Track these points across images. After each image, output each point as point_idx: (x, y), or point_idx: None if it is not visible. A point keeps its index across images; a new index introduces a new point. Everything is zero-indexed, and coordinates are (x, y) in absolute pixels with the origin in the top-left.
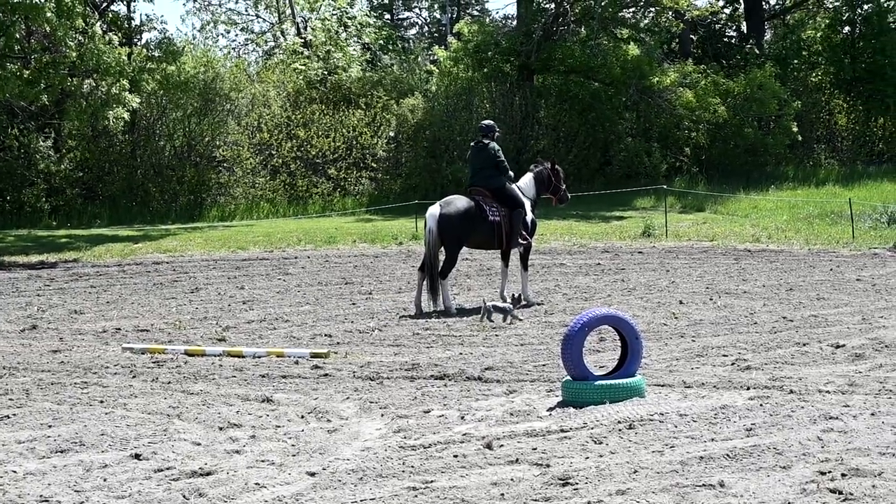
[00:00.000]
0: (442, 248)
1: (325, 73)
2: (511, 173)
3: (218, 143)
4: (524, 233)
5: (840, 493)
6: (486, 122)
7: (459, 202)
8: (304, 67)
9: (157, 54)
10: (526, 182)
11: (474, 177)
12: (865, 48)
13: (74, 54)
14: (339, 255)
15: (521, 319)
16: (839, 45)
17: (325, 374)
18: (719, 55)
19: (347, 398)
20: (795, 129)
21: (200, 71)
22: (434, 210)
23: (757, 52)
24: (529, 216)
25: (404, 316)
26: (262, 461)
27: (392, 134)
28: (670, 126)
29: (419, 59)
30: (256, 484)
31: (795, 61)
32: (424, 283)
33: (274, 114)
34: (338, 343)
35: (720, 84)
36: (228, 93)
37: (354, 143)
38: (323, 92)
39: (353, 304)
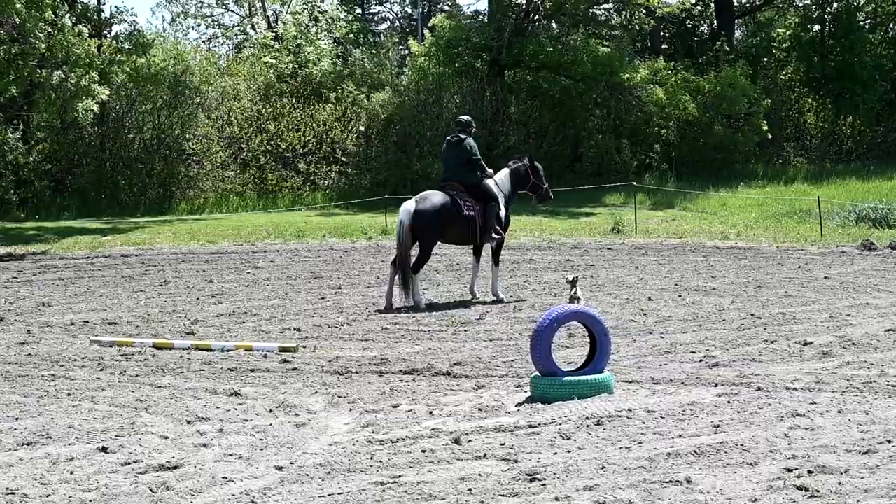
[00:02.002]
0: (416, 243)
1: (296, 66)
2: (490, 171)
3: (188, 136)
4: (497, 227)
5: (806, 489)
6: (464, 117)
7: (435, 198)
8: (274, 61)
9: (126, 47)
10: (501, 177)
11: (448, 171)
12: (835, 46)
13: (44, 46)
14: (309, 249)
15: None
16: (809, 44)
17: (294, 369)
18: (690, 52)
19: (316, 392)
20: (765, 127)
21: (170, 64)
22: (409, 205)
23: (727, 49)
24: (503, 211)
25: (373, 311)
26: (230, 455)
27: (362, 128)
28: (640, 123)
29: (390, 53)
30: (224, 478)
31: (765, 59)
32: (396, 277)
33: (244, 107)
34: (307, 337)
35: (690, 81)
36: (198, 86)
37: (324, 137)
38: (293, 86)
39: (323, 298)
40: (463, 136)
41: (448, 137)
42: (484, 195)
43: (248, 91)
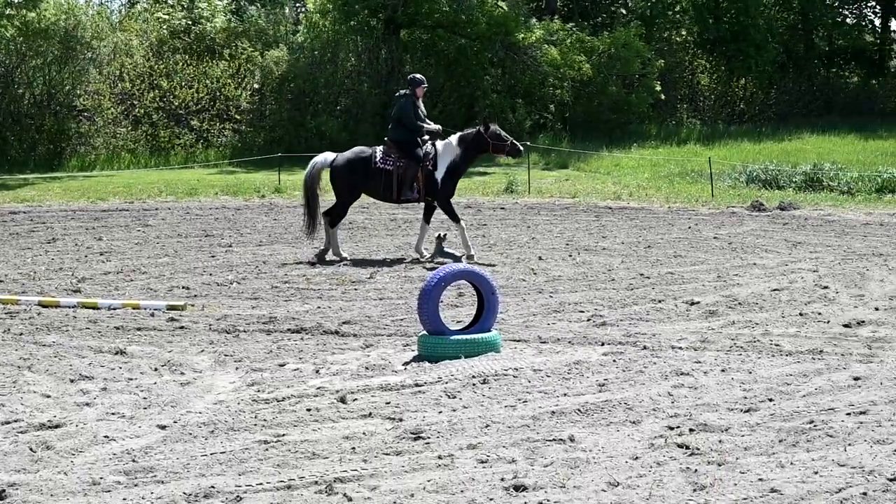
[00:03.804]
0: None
1: (189, 22)
2: (431, 126)
3: (79, 92)
4: (414, 186)
5: (687, 447)
6: (415, 75)
7: (352, 152)
8: (167, 17)
9: (16, 0)
10: (449, 141)
11: (389, 126)
12: (729, 9)
13: None
14: (201, 207)
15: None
16: (704, 5)
17: (181, 327)
18: (585, 13)
19: (202, 351)
20: (659, 88)
21: (61, 18)
22: (326, 155)
23: (623, 11)
24: (440, 174)
25: (264, 269)
26: (112, 414)
27: (256, 86)
28: (535, 83)
29: (285, 10)
30: (105, 437)
31: (660, 20)
32: (331, 229)
33: (136, 63)
34: (195, 296)
35: (585, 42)
36: (90, 41)
37: (218, 94)
38: (186, 42)
39: (213, 256)
40: (403, 93)
41: (396, 93)
42: (408, 153)
43: (141, 47)
